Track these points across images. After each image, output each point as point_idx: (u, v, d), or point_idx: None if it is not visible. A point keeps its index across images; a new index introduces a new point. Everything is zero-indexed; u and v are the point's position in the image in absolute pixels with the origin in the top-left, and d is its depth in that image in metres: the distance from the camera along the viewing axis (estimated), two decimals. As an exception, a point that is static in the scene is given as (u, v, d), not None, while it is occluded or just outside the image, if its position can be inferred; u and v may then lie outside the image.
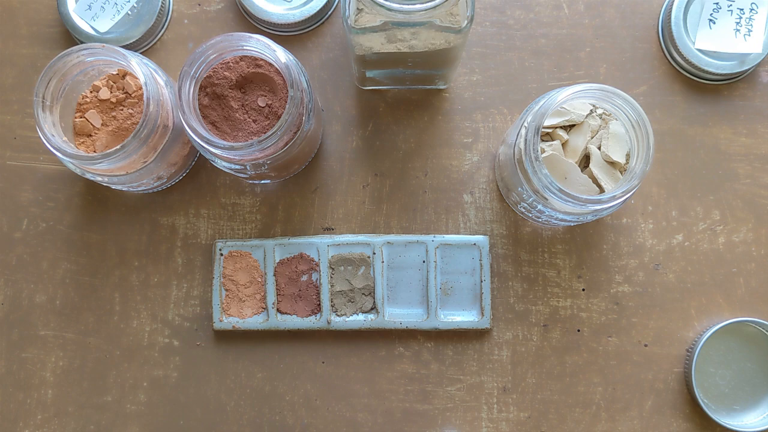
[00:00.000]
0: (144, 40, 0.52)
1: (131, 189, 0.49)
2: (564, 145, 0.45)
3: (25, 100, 0.53)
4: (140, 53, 0.50)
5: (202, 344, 0.51)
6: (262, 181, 0.51)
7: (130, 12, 0.52)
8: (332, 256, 0.50)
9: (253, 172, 0.45)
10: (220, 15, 0.53)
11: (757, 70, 0.52)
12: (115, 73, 0.48)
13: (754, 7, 0.50)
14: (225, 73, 0.44)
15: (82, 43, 0.52)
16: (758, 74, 0.52)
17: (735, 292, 0.50)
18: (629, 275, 0.50)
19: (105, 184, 0.47)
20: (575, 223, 0.49)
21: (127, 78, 0.47)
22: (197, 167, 0.52)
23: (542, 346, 0.50)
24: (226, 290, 0.50)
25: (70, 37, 0.53)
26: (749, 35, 0.50)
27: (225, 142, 0.42)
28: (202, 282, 0.51)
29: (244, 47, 0.43)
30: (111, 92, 0.47)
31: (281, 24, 0.52)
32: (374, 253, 0.50)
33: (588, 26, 0.52)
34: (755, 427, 0.48)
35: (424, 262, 0.50)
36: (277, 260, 0.50)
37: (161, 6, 0.52)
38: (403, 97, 0.52)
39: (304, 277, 0.50)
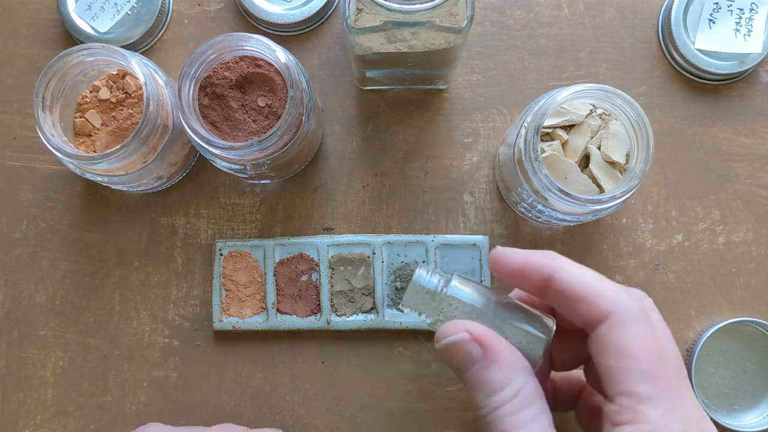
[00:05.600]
0: (144, 40, 0.52)
1: (131, 189, 0.49)
2: (564, 145, 0.45)
3: (25, 100, 0.53)
4: (140, 53, 0.50)
5: (202, 344, 0.51)
6: (262, 181, 0.51)
7: (130, 12, 0.52)
8: (332, 256, 0.50)
9: (253, 172, 0.45)
10: (220, 15, 0.53)
11: (757, 70, 0.52)
12: (115, 73, 0.48)
13: (754, 7, 0.50)
14: (225, 73, 0.44)
15: (82, 43, 0.52)
16: (758, 74, 0.52)
17: (735, 292, 0.50)
18: (629, 275, 0.50)
19: (105, 184, 0.47)
20: (575, 223, 0.49)
21: (127, 78, 0.47)
22: (197, 167, 0.52)
23: (542, 346, 0.50)
24: (226, 290, 0.50)
25: (70, 37, 0.53)
26: (749, 35, 0.50)
27: (225, 142, 0.42)
28: (202, 282, 0.51)
29: (244, 47, 0.43)
30: (111, 92, 0.47)
31: (281, 24, 0.52)
32: (374, 253, 0.50)
33: (588, 26, 0.52)
34: (755, 427, 0.48)
35: (424, 262, 0.50)
36: (277, 260, 0.50)
37: (161, 6, 0.52)
38: (403, 97, 0.52)
39: (304, 277, 0.50)
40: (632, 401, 0.31)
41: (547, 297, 0.35)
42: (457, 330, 0.35)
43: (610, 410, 0.32)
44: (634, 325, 0.33)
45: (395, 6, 0.36)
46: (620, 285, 0.35)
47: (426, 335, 0.50)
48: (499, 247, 0.37)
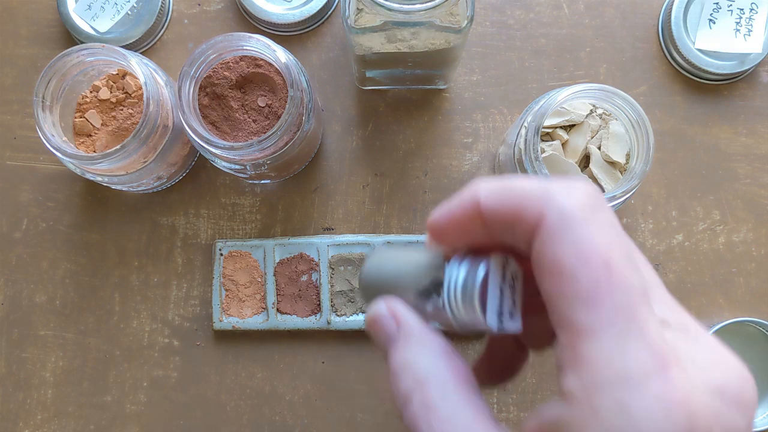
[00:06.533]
0: (144, 40, 0.52)
1: (131, 189, 0.49)
2: (564, 145, 0.45)
3: (25, 100, 0.53)
4: (140, 53, 0.50)
5: (202, 344, 0.51)
6: (262, 181, 0.51)
7: (130, 12, 0.52)
8: (332, 256, 0.50)
9: (253, 172, 0.45)
10: (220, 15, 0.53)
11: (757, 70, 0.52)
12: (115, 73, 0.48)
13: (754, 7, 0.50)
14: (225, 73, 0.44)
15: (82, 43, 0.52)
16: (758, 74, 0.52)
17: (735, 292, 0.50)
18: (629, 275, 0.50)
19: (105, 184, 0.47)
20: (575, 223, 0.49)
21: (127, 78, 0.47)
22: (197, 167, 0.52)
23: (542, 346, 0.50)
24: (226, 290, 0.50)
25: (70, 37, 0.53)
26: (749, 35, 0.50)
27: (225, 142, 0.42)
28: (202, 282, 0.51)
29: (244, 47, 0.43)
30: (111, 92, 0.47)
31: (281, 24, 0.52)
32: (374, 253, 0.50)
33: (588, 26, 0.52)
34: (755, 427, 0.48)
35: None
36: (277, 260, 0.50)
37: (161, 6, 0.52)
38: (403, 97, 0.52)
39: (304, 277, 0.50)
40: (570, 336, 0.22)
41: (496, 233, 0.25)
42: (377, 306, 0.28)
43: (557, 353, 0.23)
44: (571, 229, 0.22)
45: (395, 6, 0.36)
46: (561, 179, 0.24)
47: (426, 335, 0.50)
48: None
